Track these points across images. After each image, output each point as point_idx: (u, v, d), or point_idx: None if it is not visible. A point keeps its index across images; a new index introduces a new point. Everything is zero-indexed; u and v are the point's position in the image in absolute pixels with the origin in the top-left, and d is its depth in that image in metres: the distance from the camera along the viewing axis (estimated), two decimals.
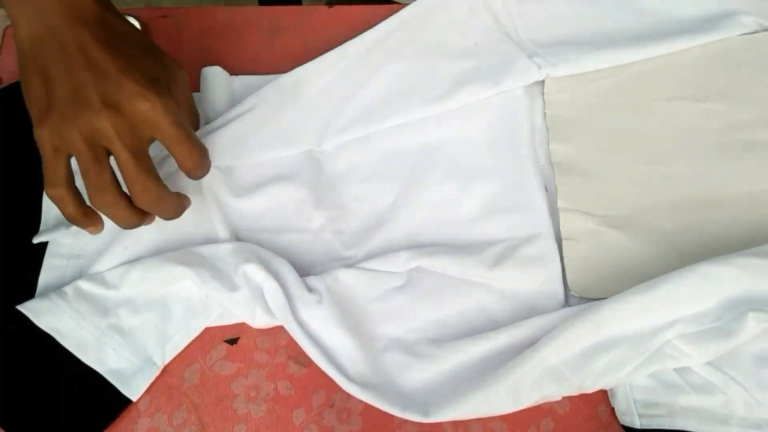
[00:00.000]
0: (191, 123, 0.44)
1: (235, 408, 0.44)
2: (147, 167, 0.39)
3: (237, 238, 0.48)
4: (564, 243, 0.47)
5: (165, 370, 0.45)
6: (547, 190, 0.50)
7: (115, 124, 0.38)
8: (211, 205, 0.48)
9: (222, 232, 0.48)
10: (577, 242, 0.47)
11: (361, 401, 0.43)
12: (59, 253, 0.48)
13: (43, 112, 0.39)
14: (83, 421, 0.43)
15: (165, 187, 0.41)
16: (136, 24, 0.53)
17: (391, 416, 0.43)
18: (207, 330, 0.46)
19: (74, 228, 0.47)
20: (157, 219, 0.44)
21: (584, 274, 0.46)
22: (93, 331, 0.44)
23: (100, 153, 0.39)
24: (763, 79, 0.52)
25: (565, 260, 0.47)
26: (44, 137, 0.39)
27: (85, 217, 0.41)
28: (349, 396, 0.44)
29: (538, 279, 0.46)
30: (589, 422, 0.43)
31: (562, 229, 0.48)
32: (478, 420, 0.43)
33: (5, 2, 0.39)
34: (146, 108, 0.38)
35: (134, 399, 0.44)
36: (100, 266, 0.47)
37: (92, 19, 0.39)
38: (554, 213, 0.49)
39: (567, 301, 0.46)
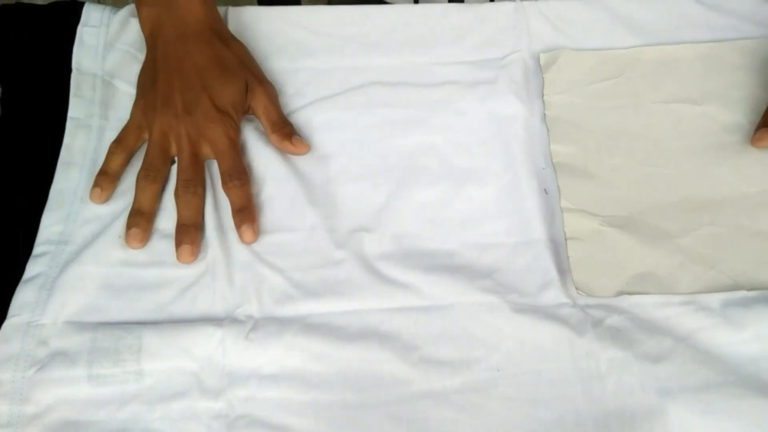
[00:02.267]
0: (272, 120, 0.51)
1: None
2: (196, 173, 0.49)
3: (226, 236, 0.48)
4: (569, 242, 0.47)
5: None
6: (547, 193, 0.49)
7: (186, 129, 0.49)
8: (206, 198, 0.48)
9: (210, 230, 0.47)
10: (582, 242, 0.47)
11: None
12: (50, 240, 0.47)
13: (139, 95, 0.51)
14: None
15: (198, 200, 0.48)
16: None
17: None
18: None
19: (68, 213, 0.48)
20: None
21: (589, 273, 0.45)
22: None
23: (166, 145, 0.49)
24: (757, 82, 0.52)
25: (571, 260, 0.46)
26: (134, 112, 0.50)
27: (106, 178, 0.49)
28: None
29: (533, 285, 0.46)
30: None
31: (566, 229, 0.47)
32: None
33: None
34: (213, 126, 0.49)
35: None
36: (90, 252, 0.46)
37: (202, 36, 0.51)
38: (552, 216, 0.48)
39: (574, 302, 0.45)
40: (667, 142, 0.50)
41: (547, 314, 0.45)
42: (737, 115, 0.51)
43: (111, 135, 0.51)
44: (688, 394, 0.41)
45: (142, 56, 0.54)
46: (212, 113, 0.49)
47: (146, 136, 0.50)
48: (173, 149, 0.49)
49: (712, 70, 0.53)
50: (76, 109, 0.52)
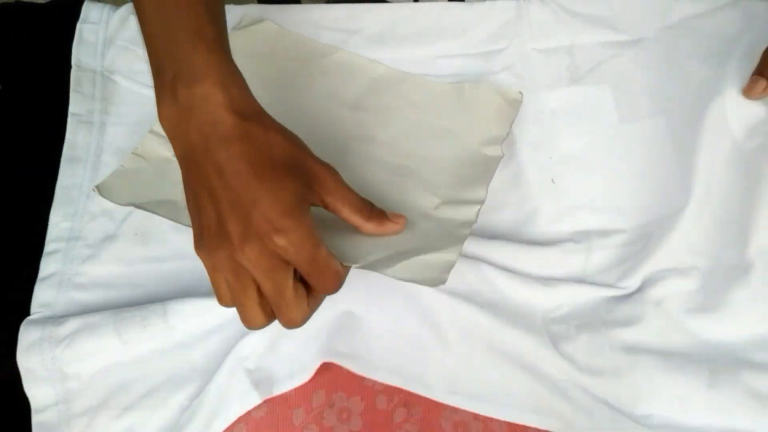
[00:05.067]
0: (358, 207, 0.41)
1: None
2: (288, 296, 0.38)
3: None
4: (130, 155, 0.47)
5: None
6: (554, 182, 0.49)
7: (252, 260, 0.36)
8: None
9: None
10: (140, 160, 0.47)
11: (361, 401, 0.44)
12: (60, 237, 0.48)
13: (196, 234, 0.38)
14: None
15: (306, 309, 0.39)
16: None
17: (391, 416, 0.43)
18: None
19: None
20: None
21: (122, 182, 0.46)
22: None
23: (246, 281, 0.38)
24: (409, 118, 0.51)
25: (118, 168, 0.46)
26: (202, 258, 0.38)
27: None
28: (349, 396, 0.44)
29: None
30: None
31: (139, 145, 0.47)
32: (478, 419, 0.43)
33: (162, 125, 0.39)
34: (282, 243, 0.36)
35: None
36: (111, 253, 0.48)
37: (232, 136, 0.37)
38: (558, 208, 0.49)
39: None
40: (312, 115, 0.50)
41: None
42: (385, 130, 0.50)
43: (112, 130, 0.51)
44: (654, 355, 0.43)
45: (141, 52, 0.54)
46: (274, 237, 0.36)
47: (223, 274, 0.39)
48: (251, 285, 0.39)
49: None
50: (76, 106, 0.52)
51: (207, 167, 0.37)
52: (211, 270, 0.38)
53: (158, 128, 0.47)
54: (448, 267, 0.39)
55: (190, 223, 0.39)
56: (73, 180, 0.50)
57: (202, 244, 0.38)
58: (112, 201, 0.45)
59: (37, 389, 0.44)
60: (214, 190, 0.37)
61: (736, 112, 0.49)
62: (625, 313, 0.44)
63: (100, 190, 0.45)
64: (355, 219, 0.41)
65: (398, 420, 0.43)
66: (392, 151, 0.49)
